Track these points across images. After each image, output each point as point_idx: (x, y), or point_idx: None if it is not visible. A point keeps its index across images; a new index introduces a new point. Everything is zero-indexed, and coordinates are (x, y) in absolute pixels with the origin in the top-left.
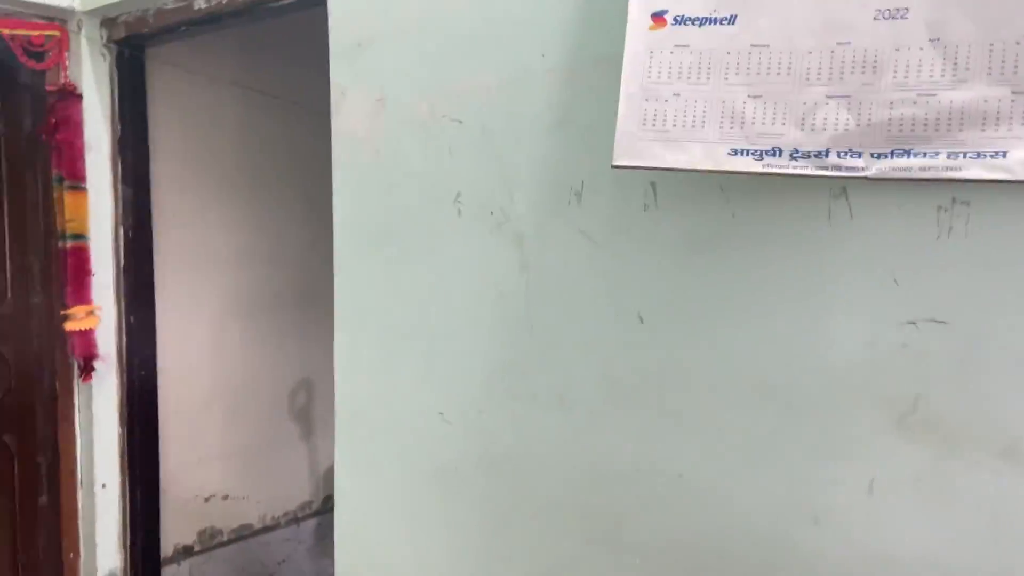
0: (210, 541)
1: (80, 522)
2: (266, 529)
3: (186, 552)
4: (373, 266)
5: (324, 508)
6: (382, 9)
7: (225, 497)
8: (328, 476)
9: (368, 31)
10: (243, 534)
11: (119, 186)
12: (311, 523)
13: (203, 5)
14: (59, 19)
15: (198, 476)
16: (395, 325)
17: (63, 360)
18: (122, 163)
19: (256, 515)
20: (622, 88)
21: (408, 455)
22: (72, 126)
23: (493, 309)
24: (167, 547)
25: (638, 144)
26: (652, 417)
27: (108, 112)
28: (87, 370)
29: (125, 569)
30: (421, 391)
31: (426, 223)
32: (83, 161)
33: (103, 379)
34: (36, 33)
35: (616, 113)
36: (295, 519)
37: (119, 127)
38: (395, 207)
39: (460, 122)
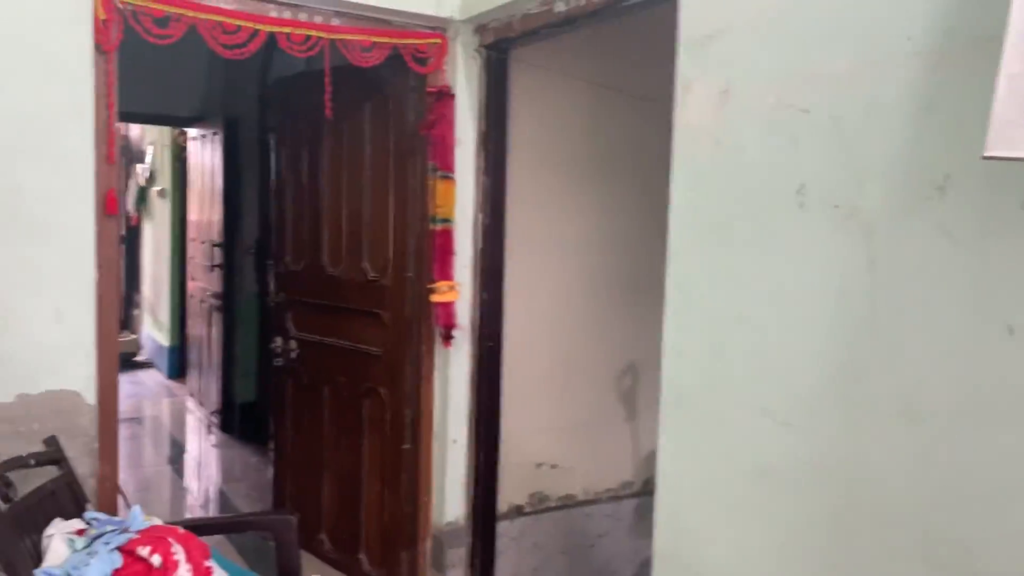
0: (539, 504)
1: (434, 471)
2: (588, 502)
3: (518, 511)
4: (707, 255)
5: (644, 490)
6: (732, 1)
7: (554, 466)
8: (649, 459)
9: (718, 23)
10: (567, 503)
11: (480, 176)
12: (631, 503)
13: (562, 8)
14: (440, 28)
15: (532, 443)
16: (726, 316)
17: (428, 327)
18: (484, 156)
19: (580, 487)
20: (1002, 68)
21: (732, 448)
22: (446, 123)
23: (834, 307)
24: (502, 504)
25: (1018, 132)
26: (1021, 439)
27: (476, 110)
28: (447, 337)
29: (467, 517)
30: (749, 385)
31: (765, 215)
32: (453, 154)
33: (459, 347)
34: (422, 42)
35: (992, 100)
36: (616, 496)
37: (484, 123)
38: (733, 198)
39: (807, 111)
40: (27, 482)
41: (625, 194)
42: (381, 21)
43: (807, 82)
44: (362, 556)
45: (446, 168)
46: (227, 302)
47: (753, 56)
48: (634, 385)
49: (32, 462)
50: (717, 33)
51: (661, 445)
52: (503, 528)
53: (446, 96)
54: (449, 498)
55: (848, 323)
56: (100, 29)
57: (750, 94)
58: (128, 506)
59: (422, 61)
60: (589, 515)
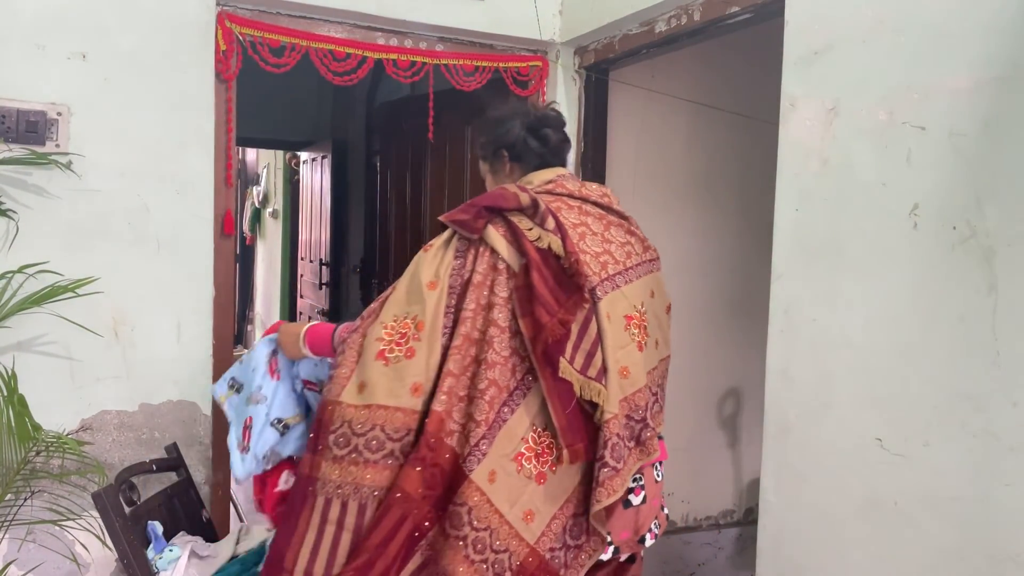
0: None
1: None
2: (688, 529)
3: None
4: (813, 277)
5: (746, 519)
6: (843, 14)
7: None
8: (752, 487)
9: (825, 38)
10: (667, 529)
11: None
12: (732, 532)
13: (663, 28)
14: (541, 51)
15: None
16: (834, 340)
17: None
18: (583, 176)
19: (680, 513)
20: None
21: (841, 478)
22: None
23: (951, 333)
24: None
25: None
26: None
27: (574, 131)
28: None
29: None
30: (858, 413)
31: (875, 235)
32: None
33: None
34: (523, 65)
35: None
36: (716, 525)
37: (583, 144)
38: (841, 217)
39: (922, 128)
40: (148, 487)
41: (726, 214)
42: (483, 46)
43: (923, 98)
44: None
45: None
46: (334, 319)
47: (863, 72)
48: (736, 410)
49: (153, 468)
50: (825, 48)
51: (765, 473)
52: None
53: None
54: None
55: (967, 350)
56: (221, 59)
57: (860, 111)
58: (240, 516)
59: (523, 84)
60: (688, 543)
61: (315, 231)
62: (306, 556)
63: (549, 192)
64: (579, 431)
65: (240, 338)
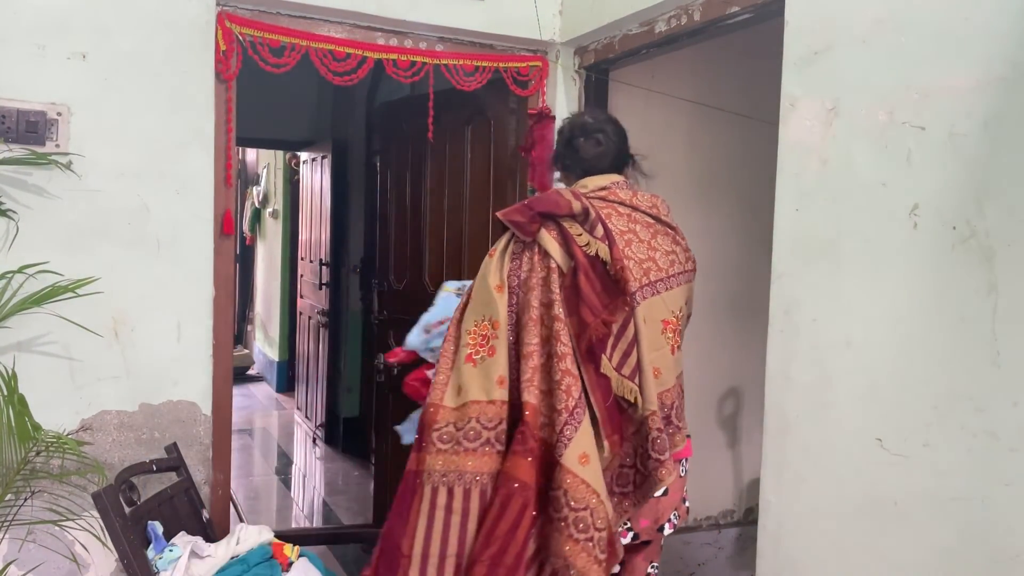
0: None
1: None
2: (688, 529)
3: None
4: (813, 277)
5: (746, 520)
6: (842, 15)
7: None
8: (752, 488)
9: (825, 39)
10: None
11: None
12: (731, 532)
13: (663, 28)
14: (541, 51)
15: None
16: (834, 340)
17: None
18: None
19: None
20: None
21: (840, 478)
22: (545, 144)
23: (950, 333)
24: None
25: None
26: None
27: None
28: None
29: None
30: (858, 413)
31: (876, 236)
32: (551, 175)
33: None
34: (523, 65)
35: None
36: (716, 525)
37: None
38: (842, 218)
39: (922, 128)
40: (148, 487)
41: (726, 213)
42: (483, 46)
43: (923, 98)
44: None
45: (543, 189)
46: (333, 319)
47: (863, 72)
48: (736, 410)
49: (153, 468)
50: (824, 49)
51: (765, 473)
52: None
53: (546, 118)
54: None
55: (966, 350)
56: (221, 59)
57: (859, 111)
58: (239, 515)
59: (523, 83)
60: (688, 543)
61: (315, 231)
62: (421, 540)
63: (602, 199)
64: (616, 424)
65: (240, 338)
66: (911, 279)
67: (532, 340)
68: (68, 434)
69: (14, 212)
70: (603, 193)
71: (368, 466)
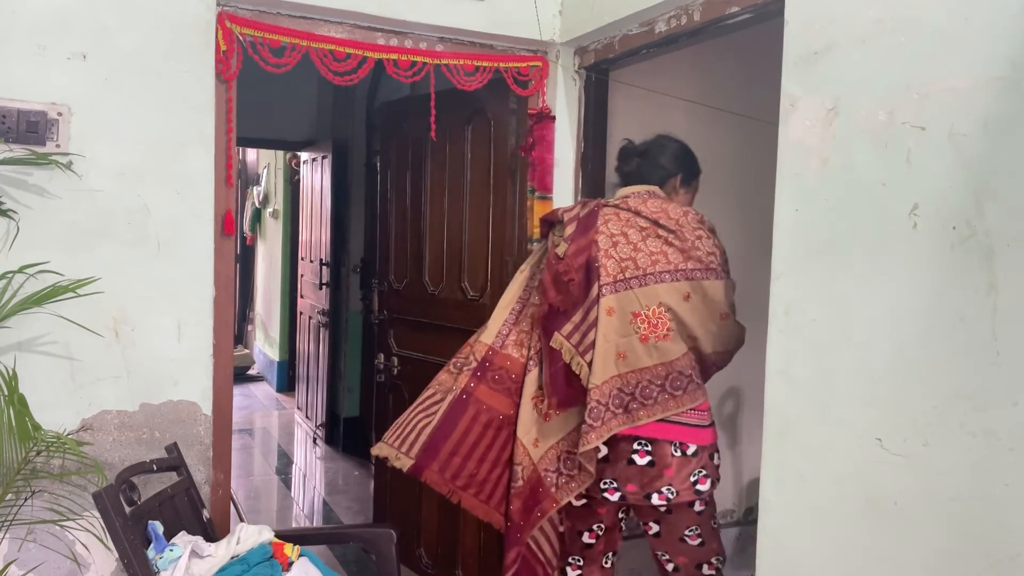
0: (636, 529)
1: None
2: None
3: None
4: (813, 277)
5: (745, 520)
6: (842, 15)
7: None
8: (752, 487)
9: (825, 38)
10: None
11: (578, 197)
12: (731, 532)
13: (663, 28)
14: (542, 51)
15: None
16: (834, 340)
17: None
18: (583, 176)
19: None
20: None
21: (840, 478)
22: (545, 144)
23: (950, 333)
24: None
25: None
26: None
27: (574, 131)
28: None
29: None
30: (859, 413)
31: (875, 235)
32: (551, 175)
33: None
34: (523, 64)
35: None
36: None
37: (582, 144)
38: (841, 218)
39: (922, 129)
40: (148, 487)
41: (725, 214)
42: (484, 46)
43: (923, 98)
44: (459, 573)
45: (544, 189)
46: (333, 319)
47: (863, 72)
48: (736, 410)
49: (154, 467)
50: (824, 49)
51: (764, 473)
52: None
53: (546, 118)
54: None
55: (966, 350)
56: (221, 59)
57: (860, 111)
58: (240, 515)
59: (523, 84)
60: None
61: (315, 231)
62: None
63: (615, 206)
64: (559, 388)
65: (240, 338)
66: (911, 279)
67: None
68: (68, 434)
69: (14, 212)
70: (619, 201)
71: (368, 466)
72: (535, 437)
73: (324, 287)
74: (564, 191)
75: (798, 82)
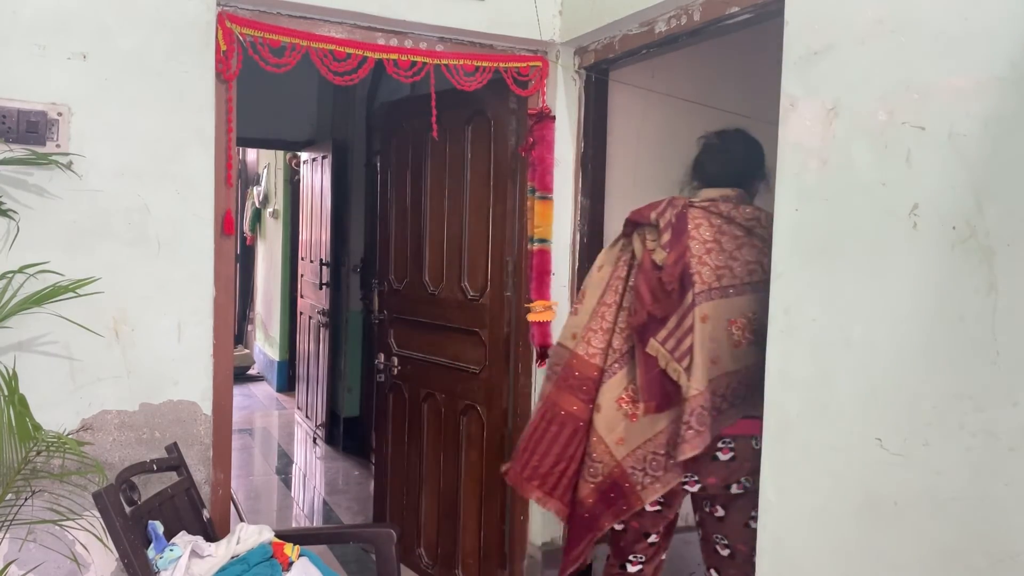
0: None
1: None
2: (688, 528)
3: None
4: (813, 277)
5: None
6: (842, 15)
7: None
8: None
9: (825, 38)
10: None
11: (578, 197)
12: None
13: (663, 28)
14: (542, 51)
15: None
16: (833, 340)
17: (525, 347)
18: (583, 176)
19: (681, 513)
20: None
21: (840, 479)
22: (546, 144)
23: (950, 333)
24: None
25: None
26: None
27: (574, 131)
28: (542, 356)
29: (563, 539)
30: (858, 413)
31: (875, 235)
32: (552, 175)
33: None
34: (523, 64)
35: None
36: None
37: (582, 144)
38: (841, 218)
39: (922, 128)
40: (148, 487)
41: None
42: (484, 46)
43: (923, 98)
44: (459, 572)
45: (544, 189)
46: (333, 319)
47: (863, 72)
48: None
49: (154, 467)
50: (824, 49)
51: (764, 473)
52: (601, 551)
53: (546, 117)
54: (545, 518)
55: (966, 350)
56: (221, 59)
57: (860, 111)
58: (240, 515)
59: (523, 84)
60: (688, 543)
61: (315, 231)
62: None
63: (704, 209)
64: (655, 393)
65: (240, 338)
66: (911, 279)
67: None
68: (68, 434)
69: (15, 212)
70: (707, 204)
71: (368, 466)
72: (620, 436)
73: (324, 287)
74: (564, 191)
75: (798, 82)
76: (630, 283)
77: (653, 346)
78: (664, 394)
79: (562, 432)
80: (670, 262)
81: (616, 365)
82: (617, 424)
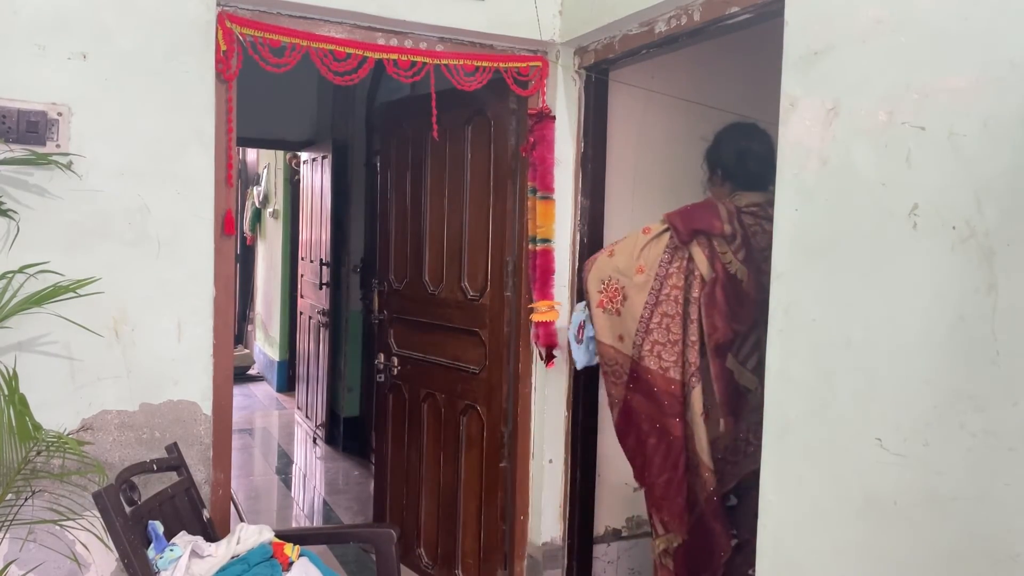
0: (636, 529)
1: (530, 490)
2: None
3: (615, 535)
4: (813, 277)
5: None
6: (842, 15)
7: None
8: None
9: (825, 39)
10: None
11: (578, 197)
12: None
13: (663, 28)
14: (542, 51)
15: (628, 467)
16: (833, 340)
17: (525, 347)
18: (583, 176)
19: None
20: None
21: (840, 479)
22: (546, 144)
23: (950, 332)
24: (599, 527)
25: None
26: None
27: (574, 131)
28: (549, 357)
29: (563, 538)
30: (859, 413)
31: (875, 235)
32: (552, 175)
33: (557, 367)
34: (523, 65)
35: None
36: None
37: (582, 144)
38: (841, 218)
39: (922, 128)
40: (148, 487)
41: None
42: (484, 46)
43: (923, 99)
44: (458, 572)
45: (546, 189)
46: (334, 319)
47: (863, 72)
48: None
49: (154, 467)
50: (825, 49)
51: (764, 473)
52: (600, 551)
53: (546, 117)
54: (545, 518)
55: (966, 349)
56: (221, 59)
57: (860, 111)
58: (240, 515)
59: (523, 84)
60: None
61: (315, 231)
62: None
63: (753, 215)
64: (732, 407)
65: (241, 338)
66: (911, 279)
67: (663, 321)
68: (69, 434)
69: (15, 212)
70: (755, 209)
71: (368, 466)
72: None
73: (324, 287)
74: (565, 191)
75: (798, 82)
76: (693, 294)
77: (731, 361)
78: (739, 407)
79: (648, 438)
80: (749, 276)
81: (693, 379)
82: (707, 442)
